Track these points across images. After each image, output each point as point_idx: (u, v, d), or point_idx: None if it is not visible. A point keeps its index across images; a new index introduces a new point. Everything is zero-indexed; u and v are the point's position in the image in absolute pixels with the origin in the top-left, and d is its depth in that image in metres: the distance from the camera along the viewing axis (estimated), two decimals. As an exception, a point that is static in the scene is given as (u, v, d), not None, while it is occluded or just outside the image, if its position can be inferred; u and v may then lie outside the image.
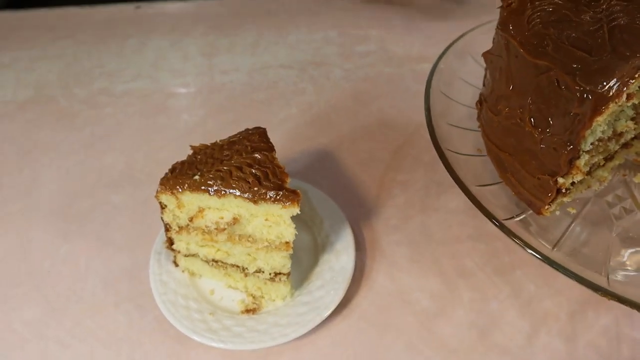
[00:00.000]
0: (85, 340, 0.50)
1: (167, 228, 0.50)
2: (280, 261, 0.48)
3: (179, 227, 0.49)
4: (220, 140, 0.51)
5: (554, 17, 0.38)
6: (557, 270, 0.36)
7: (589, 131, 0.35)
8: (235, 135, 0.51)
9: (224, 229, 0.47)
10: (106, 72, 0.84)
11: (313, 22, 0.93)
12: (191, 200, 0.46)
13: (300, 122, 0.74)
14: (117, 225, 0.61)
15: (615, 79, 0.33)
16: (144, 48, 0.89)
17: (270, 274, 0.50)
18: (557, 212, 0.45)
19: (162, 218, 0.49)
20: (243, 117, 0.75)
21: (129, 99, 0.79)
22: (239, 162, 0.46)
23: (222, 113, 0.76)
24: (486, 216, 0.40)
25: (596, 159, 0.41)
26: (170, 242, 0.51)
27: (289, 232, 0.46)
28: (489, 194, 0.46)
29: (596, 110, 0.33)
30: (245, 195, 0.44)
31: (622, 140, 0.42)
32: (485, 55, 0.45)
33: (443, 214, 0.61)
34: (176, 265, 0.54)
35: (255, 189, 0.44)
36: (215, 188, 0.45)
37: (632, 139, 0.45)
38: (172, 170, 0.48)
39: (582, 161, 0.38)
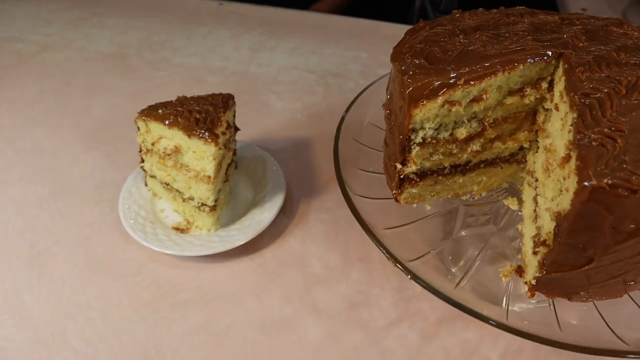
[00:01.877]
0: (64, 218, 0.67)
1: (140, 148, 0.65)
2: (205, 193, 0.61)
3: (146, 149, 0.64)
4: (196, 95, 0.65)
5: (434, 38, 0.47)
6: (455, 307, 0.40)
7: (411, 123, 0.43)
8: (210, 94, 0.66)
9: (170, 155, 0.61)
10: (172, 47, 1.04)
11: (354, 42, 1.06)
12: (154, 127, 0.61)
13: (297, 114, 0.86)
14: (126, 148, 0.78)
15: (433, 83, 0.41)
16: (210, 35, 1.08)
17: (197, 202, 0.62)
18: (414, 205, 0.51)
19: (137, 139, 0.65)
20: (255, 100, 0.89)
21: (179, 69, 0.98)
22: (192, 108, 0.60)
23: (241, 94, 0.91)
24: (392, 260, 0.44)
25: (437, 158, 0.47)
26: (142, 160, 0.67)
27: (209, 167, 0.58)
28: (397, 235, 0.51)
29: (411, 105, 0.41)
30: (182, 130, 0.57)
31: (471, 150, 0.48)
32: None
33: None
34: (145, 184, 0.69)
35: (192, 127, 0.57)
36: (168, 121, 0.59)
37: (502, 160, 0.51)
38: (151, 105, 0.63)
39: (415, 152, 0.45)
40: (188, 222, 0.65)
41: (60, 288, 0.59)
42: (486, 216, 0.54)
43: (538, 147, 0.49)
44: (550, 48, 0.44)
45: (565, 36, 0.46)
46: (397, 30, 0.53)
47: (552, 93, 0.46)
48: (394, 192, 0.49)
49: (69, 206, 0.69)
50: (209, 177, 0.59)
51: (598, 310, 0.45)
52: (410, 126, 0.43)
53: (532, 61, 0.43)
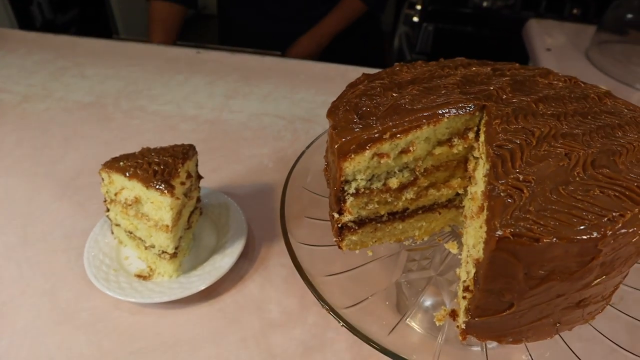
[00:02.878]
0: (31, 268, 0.69)
1: (105, 198, 0.68)
2: (165, 241, 0.63)
3: (110, 199, 0.66)
4: (159, 147, 0.68)
5: (369, 92, 0.50)
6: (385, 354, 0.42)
7: (342, 175, 0.45)
8: (172, 145, 0.68)
9: (131, 205, 0.63)
10: (149, 95, 1.08)
11: (324, 87, 1.10)
12: (116, 179, 0.63)
13: (265, 160, 0.89)
14: (97, 197, 0.80)
15: (360, 137, 0.44)
16: (186, 83, 1.13)
17: (158, 250, 0.64)
18: (357, 251, 0.53)
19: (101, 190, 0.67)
20: (224, 147, 0.92)
21: (153, 117, 1.01)
22: (152, 160, 0.63)
23: (212, 141, 0.94)
24: (325, 307, 0.44)
25: (373, 207, 0.50)
26: (107, 209, 0.69)
27: (167, 216, 0.60)
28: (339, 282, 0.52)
29: (340, 158, 0.44)
30: (140, 182, 0.60)
31: (406, 198, 0.50)
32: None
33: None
34: (112, 232, 0.71)
35: (149, 179, 0.60)
36: (128, 173, 0.61)
37: (439, 205, 0.53)
38: (115, 157, 0.66)
39: (349, 202, 0.48)
40: (151, 269, 0.67)
41: (23, 339, 0.60)
42: (427, 260, 0.56)
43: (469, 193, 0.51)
44: (474, 101, 0.47)
45: (492, 88, 0.49)
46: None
47: (478, 142, 0.48)
48: (335, 239, 0.51)
49: (36, 255, 0.71)
50: (167, 226, 0.62)
51: (529, 351, 0.46)
52: (342, 178, 0.46)
53: (456, 114, 0.46)
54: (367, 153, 0.44)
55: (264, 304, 0.64)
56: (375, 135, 0.44)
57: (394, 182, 0.48)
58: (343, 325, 0.42)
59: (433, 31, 1.67)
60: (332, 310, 0.43)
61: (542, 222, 0.36)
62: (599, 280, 0.40)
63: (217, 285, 0.66)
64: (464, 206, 0.54)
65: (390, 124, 0.44)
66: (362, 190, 0.48)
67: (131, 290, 0.63)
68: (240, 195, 0.80)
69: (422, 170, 0.49)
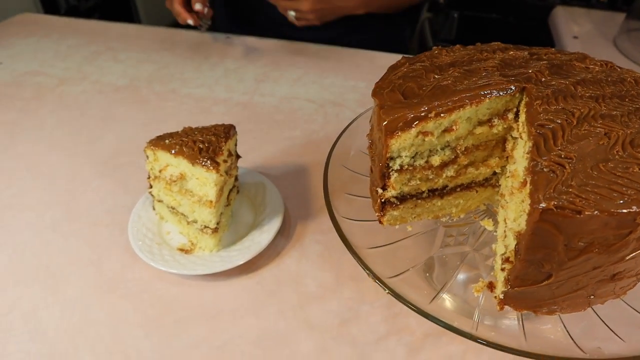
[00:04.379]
0: (77, 241, 0.73)
1: (148, 175, 0.71)
2: (207, 216, 0.66)
3: (154, 175, 0.70)
4: (201, 126, 0.71)
5: (412, 74, 0.53)
6: (428, 319, 0.45)
7: (389, 152, 0.48)
8: (213, 125, 0.71)
9: (176, 181, 0.66)
10: (181, 78, 1.11)
11: (352, 72, 1.12)
12: (161, 156, 0.67)
13: (297, 142, 0.92)
14: (136, 175, 0.83)
15: (406, 116, 0.46)
16: (216, 67, 1.15)
17: (201, 225, 0.68)
18: (397, 226, 0.56)
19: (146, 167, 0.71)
20: (258, 128, 0.95)
21: (187, 100, 1.04)
22: (196, 138, 0.66)
23: (245, 123, 0.97)
24: (372, 276, 0.49)
25: (415, 183, 0.52)
26: (150, 186, 0.72)
27: (211, 192, 0.64)
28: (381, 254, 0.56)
29: (387, 135, 0.46)
30: (186, 159, 0.63)
31: (447, 175, 0.53)
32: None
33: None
34: (153, 209, 0.74)
35: (195, 156, 0.63)
36: (174, 150, 0.65)
37: (477, 184, 0.56)
38: (159, 135, 0.69)
39: (393, 178, 0.50)
40: (192, 244, 0.70)
41: (73, 306, 0.64)
42: (464, 236, 0.58)
43: (507, 171, 0.54)
44: (514, 83, 0.49)
45: (530, 71, 0.51)
46: (393, 60, 0.59)
47: (517, 123, 0.50)
48: (377, 214, 0.54)
49: (81, 229, 0.75)
50: (211, 201, 0.65)
51: (562, 322, 0.49)
52: (388, 155, 0.48)
53: (497, 95, 0.48)
54: (413, 131, 0.47)
55: (301, 278, 0.67)
56: (422, 114, 0.46)
57: (436, 160, 0.50)
58: (389, 292, 0.45)
59: (458, 18, 1.67)
60: (377, 278, 0.46)
61: (583, 196, 0.38)
62: (634, 254, 0.43)
63: (255, 260, 0.69)
64: (500, 185, 0.56)
65: (435, 103, 0.47)
66: (406, 167, 0.50)
67: (174, 263, 0.66)
68: (274, 175, 0.83)
69: (463, 149, 0.51)
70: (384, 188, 0.51)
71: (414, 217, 0.56)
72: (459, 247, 0.57)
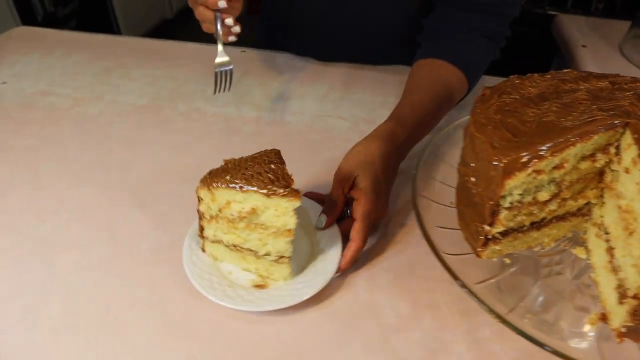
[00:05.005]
0: (132, 281, 0.70)
1: (201, 217, 0.68)
2: (284, 246, 0.65)
3: (210, 216, 0.68)
4: (244, 157, 0.69)
5: (507, 108, 0.53)
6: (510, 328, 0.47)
7: (503, 191, 0.48)
8: (257, 153, 0.70)
9: (244, 217, 0.65)
10: (205, 96, 1.09)
11: (378, 87, 1.13)
12: (222, 194, 0.64)
13: (338, 162, 0.91)
14: (176, 205, 0.81)
15: (523, 156, 0.47)
16: (238, 83, 1.13)
17: (275, 256, 0.66)
18: (495, 259, 0.57)
19: (198, 209, 0.68)
20: (296, 150, 0.94)
21: (215, 119, 1.02)
22: (259, 169, 0.64)
23: (281, 144, 0.95)
24: (455, 279, 0.52)
25: (520, 218, 0.53)
26: (201, 229, 0.70)
27: (291, 221, 0.63)
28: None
29: (505, 176, 0.47)
30: (262, 191, 0.62)
31: (549, 209, 0.54)
32: (465, 128, 0.60)
33: (430, 257, 0.73)
34: (203, 251, 0.72)
35: (269, 186, 0.61)
36: (240, 185, 0.63)
37: (570, 214, 0.57)
38: (209, 173, 0.67)
39: (502, 215, 0.51)
40: (262, 277, 0.69)
41: (145, 354, 0.62)
42: (559, 265, 0.60)
43: (603, 202, 0.55)
44: (617, 118, 0.51)
45: (625, 103, 0.53)
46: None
47: (619, 156, 0.52)
48: (479, 249, 0.55)
49: (133, 269, 0.72)
50: (290, 230, 0.64)
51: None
52: (501, 194, 0.49)
53: (604, 131, 0.50)
54: (529, 170, 0.47)
55: (377, 309, 0.67)
56: (538, 154, 0.47)
57: (543, 196, 0.51)
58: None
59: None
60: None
61: None
62: None
63: (324, 290, 0.68)
64: (591, 214, 0.57)
65: (551, 143, 0.47)
66: (515, 203, 0.51)
67: (246, 301, 0.65)
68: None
69: (567, 184, 0.52)
70: (491, 225, 0.52)
71: (510, 249, 0.57)
72: (559, 276, 0.58)
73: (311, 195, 0.80)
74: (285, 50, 1.26)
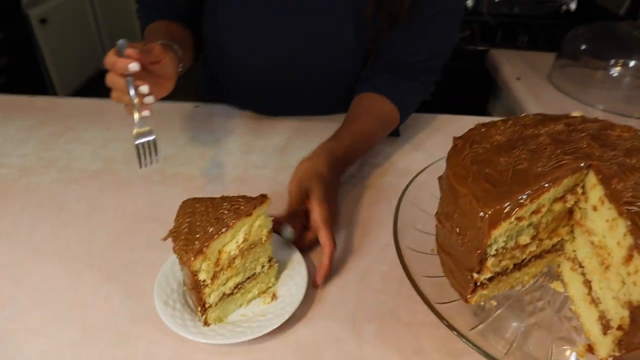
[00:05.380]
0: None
1: (201, 288, 0.65)
2: (265, 253, 0.71)
3: (211, 278, 0.65)
4: (197, 209, 0.69)
5: (480, 158, 0.57)
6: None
7: (489, 241, 0.51)
8: (207, 200, 0.72)
9: (242, 251, 0.67)
10: (162, 157, 1.07)
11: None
12: (214, 247, 0.63)
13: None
14: (146, 274, 0.78)
15: (505, 206, 0.50)
16: (194, 140, 1.13)
17: (261, 267, 0.72)
18: (482, 303, 0.59)
19: (196, 282, 0.64)
20: (264, 204, 0.94)
21: (175, 180, 1.01)
22: (227, 205, 0.67)
23: (248, 199, 0.95)
24: (449, 328, 0.55)
25: (505, 263, 0.57)
26: (202, 304, 0.66)
27: (268, 222, 0.70)
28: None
29: (491, 226, 0.50)
30: (247, 216, 0.65)
31: (529, 251, 0.58)
32: (439, 179, 0.63)
33: (411, 302, 0.75)
34: (207, 324, 0.68)
35: (247, 208, 0.66)
36: (225, 228, 0.63)
37: (545, 252, 0.61)
38: (184, 241, 0.63)
39: (489, 262, 0.54)
40: (274, 295, 0.73)
41: None
42: (540, 301, 0.63)
43: (574, 238, 0.60)
44: (581, 160, 0.56)
45: (584, 145, 0.58)
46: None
47: (585, 195, 0.57)
48: (468, 296, 0.57)
49: (108, 350, 0.68)
50: (270, 231, 0.71)
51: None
52: (488, 243, 0.52)
53: (572, 174, 0.54)
54: (512, 218, 0.51)
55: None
56: (519, 202, 0.50)
57: (524, 239, 0.55)
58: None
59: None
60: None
61: (695, 267, 0.44)
62: None
63: (311, 343, 0.68)
64: (563, 249, 0.62)
65: (528, 190, 0.51)
66: (500, 250, 0.54)
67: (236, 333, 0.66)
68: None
69: (543, 225, 0.56)
70: (479, 272, 0.54)
71: (495, 291, 0.60)
72: (542, 312, 0.62)
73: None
74: (230, 103, 1.27)
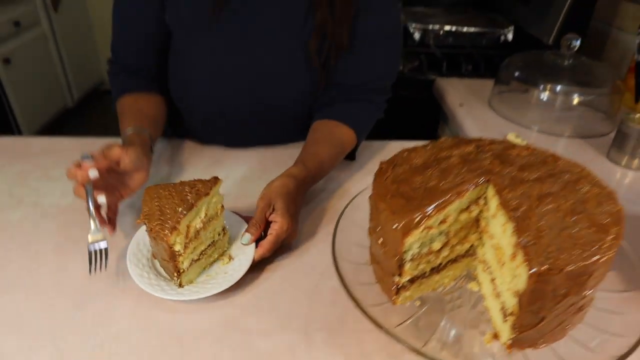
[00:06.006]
0: None
1: (176, 257, 0.78)
2: (222, 219, 0.88)
3: (183, 248, 0.79)
4: (161, 192, 0.83)
5: (400, 178, 0.69)
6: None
7: (404, 247, 0.63)
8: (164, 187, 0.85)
9: (204, 223, 0.82)
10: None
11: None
12: (184, 223, 0.78)
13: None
14: (120, 298, 0.86)
15: (415, 217, 0.62)
16: (160, 171, 1.22)
17: (219, 234, 0.88)
18: (407, 304, 0.70)
19: (172, 253, 0.77)
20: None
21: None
22: (188, 189, 0.82)
23: (210, 225, 1.04)
24: (376, 325, 0.64)
25: (422, 267, 0.68)
26: (177, 269, 0.80)
27: (221, 198, 0.87)
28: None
29: (404, 235, 0.61)
30: (205, 196, 0.80)
31: (443, 256, 0.69)
32: (369, 198, 0.75)
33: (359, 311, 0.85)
34: (181, 286, 0.82)
35: (205, 189, 0.82)
36: (192, 205, 0.78)
37: (460, 256, 0.73)
38: (156, 220, 0.77)
39: (407, 266, 0.65)
40: (230, 257, 0.89)
41: None
42: (459, 300, 0.74)
43: (483, 243, 0.72)
44: (481, 176, 0.68)
45: (487, 163, 0.70)
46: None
47: (487, 206, 0.69)
48: (393, 297, 0.68)
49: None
50: (222, 206, 0.88)
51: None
52: (403, 250, 0.63)
53: (473, 188, 0.66)
54: (421, 228, 0.62)
55: None
56: (426, 214, 0.62)
57: (436, 245, 0.66)
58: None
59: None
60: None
61: (561, 257, 0.56)
62: (592, 290, 0.61)
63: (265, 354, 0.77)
64: (476, 253, 0.73)
65: (435, 203, 0.63)
66: (416, 255, 0.65)
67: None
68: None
69: (453, 233, 0.68)
70: (399, 275, 0.65)
71: (419, 293, 0.71)
72: (460, 309, 0.73)
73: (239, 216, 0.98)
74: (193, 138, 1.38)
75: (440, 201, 0.63)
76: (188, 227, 0.79)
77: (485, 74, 1.89)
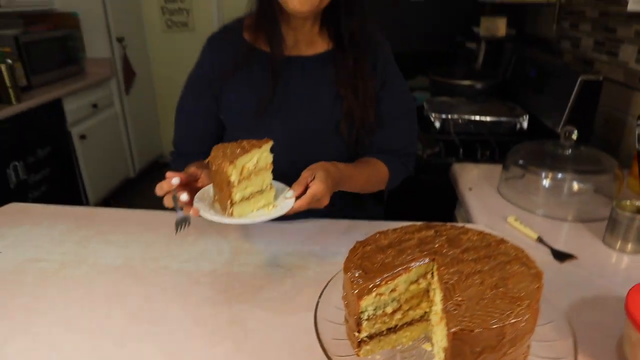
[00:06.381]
0: None
1: (232, 185, 1.08)
2: (270, 176, 1.17)
3: (237, 181, 1.08)
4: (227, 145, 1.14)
5: (366, 255, 0.89)
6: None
7: (360, 309, 0.82)
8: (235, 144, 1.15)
9: (255, 169, 1.12)
10: (170, 255, 1.42)
11: (309, 238, 1.49)
12: (240, 162, 1.08)
13: (276, 301, 1.23)
14: (152, 344, 1.09)
15: (368, 285, 0.81)
16: (196, 242, 1.48)
17: (267, 186, 1.17)
18: (369, 357, 0.88)
19: (229, 182, 1.07)
20: (243, 292, 1.25)
21: (178, 274, 1.34)
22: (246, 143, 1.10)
23: (231, 290, 1.27)
24: None
25: (378, 326, 0.86)
26: (231, 200, 1.09)
27: (270, 156, 1.15)
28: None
29: (359, 299, 0.81)
30: (257, 147, 1.11)
31: (397, 318, 0.87)
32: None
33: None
34: (232, 215, 1.13)
35: (257, 144, 1.12)
36: (247, 150, 1.09)
37: (416, 320, 0.90)
38: (220, 157, 1.09)
39: (364, 325, 0.84)
40: (273, 205, 1.21)
41: None
42: (414, 357, 0.91)
43: (432, 310, 0.89)
44: (428, 255, 0.87)
45: (437, 245, 0.90)
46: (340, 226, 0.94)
47: (433, 279, 0.87)
48: (355, 350, 0.86)
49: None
50: (271, 163, 1.16)
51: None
52: (360, 310, 0.82)
53: (419, 265, 0.86)
54: (373, 294, 0.82)
55: None
56: (377, 283, 0.82)
57: (389, 309, 0.85)
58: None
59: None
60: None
61: (474, 321, 0.74)
62: (511, 349, 0.78)
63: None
64: (430, 318, 0.91)
65: (385, 275, 0.83)
66: (371, 316, 0.84)
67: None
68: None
69: (404, 301, 0.87)
70: (359, 331, 0.84)
71: (379, 348, 0.89)
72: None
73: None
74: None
75: (389, 274, 0.83)
76: (243, 167, 1.07)
77: (500, 159, 2.08)
